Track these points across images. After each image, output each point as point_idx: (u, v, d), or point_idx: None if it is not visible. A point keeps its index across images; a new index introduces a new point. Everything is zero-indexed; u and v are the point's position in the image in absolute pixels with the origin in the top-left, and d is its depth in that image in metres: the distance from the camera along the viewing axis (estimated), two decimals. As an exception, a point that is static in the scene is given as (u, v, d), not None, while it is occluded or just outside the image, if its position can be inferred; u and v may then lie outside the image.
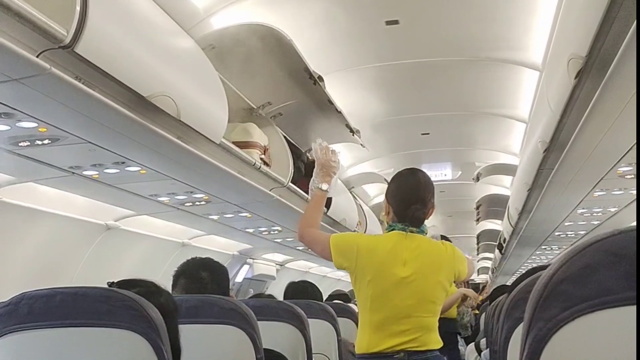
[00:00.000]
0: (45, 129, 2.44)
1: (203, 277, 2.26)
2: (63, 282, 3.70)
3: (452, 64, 4.74)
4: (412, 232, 2.44)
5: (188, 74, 2.82)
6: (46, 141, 2.57)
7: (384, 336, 2.37)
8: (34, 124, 2.38)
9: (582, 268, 0.76)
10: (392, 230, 2.48)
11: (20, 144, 2.59)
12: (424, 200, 2.47)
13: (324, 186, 2.81)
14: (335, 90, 4.87)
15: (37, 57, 1.90)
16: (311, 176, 3.01)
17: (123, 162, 2.95)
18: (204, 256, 2.40)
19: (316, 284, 3.89)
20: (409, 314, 2.37)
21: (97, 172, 3.08)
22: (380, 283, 2.39)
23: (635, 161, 3.45)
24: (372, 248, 2.44)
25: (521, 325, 0.83)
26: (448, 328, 4.64)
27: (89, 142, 2.63)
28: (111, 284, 1.53)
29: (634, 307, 0.72)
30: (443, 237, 3.87)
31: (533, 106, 4.91)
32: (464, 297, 4.70)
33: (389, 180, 4.55)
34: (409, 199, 2.46)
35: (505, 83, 5.06)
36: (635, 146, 3.20)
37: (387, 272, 2.39)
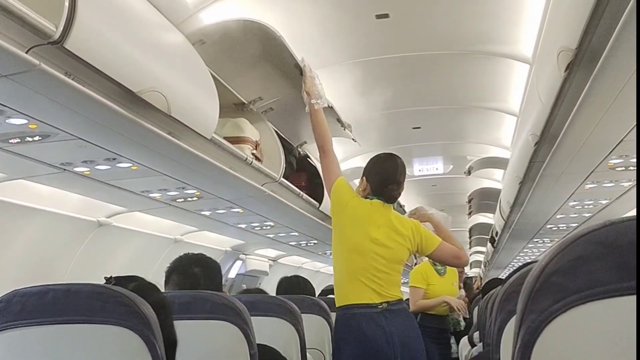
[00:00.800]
0: (36, 126, 2.42)
1: (195, 272, 2.25)
2: (55, 279, 3.68)
3: (443, 57, 4.74)
4: (387, 204, 2.93)
5: (178, 69, 2.81)
6: (36, 138, 2.56)
7: (365, 287, 2.79)
8: (24, 121, 2.36)
9: (574, 260, 0.76)
10: (372, 199, 2.92)
11: (10, 141, 2.57)
12: (399, 182, 2.93)
13: (320, 101, 3.30)
14: (326, 84, 4.84)
15: (26, 53, 1.89)
16: (303, 171, 3.30)
17: (114, 159, 2.94)
18: (196, 252, 2.40)
19: (309, 279, 3.90)
20: (381, 269, 2.81)
21: (88, 169, 3.07)
22: (358, 237, 2.85)
23: (636, 151, 3.46)
24: (357, 208, 2.90)
25: (514, 318, 0.83)
26: (439, 324, 4.60)
27: (80, 139, 2.62)
28: (109, 279, 1.53)
29: (626, 298, 0.72)
30: None
31: (524, 99, 4.92)
32: (451, 308, 4.47)
33: None
34: (387, 179, 2.92)
35: (496, 76, 5.06)
36: (632, 135, 3.20)
37: (364, 230, 2.85)
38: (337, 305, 2.88)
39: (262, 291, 3.21)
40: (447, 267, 4.57)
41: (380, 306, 2.77)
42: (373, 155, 3.10)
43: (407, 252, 2.91)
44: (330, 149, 3.13)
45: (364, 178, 3.00)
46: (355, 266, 2.81)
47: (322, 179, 3.15)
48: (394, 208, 3.01)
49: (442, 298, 4.46)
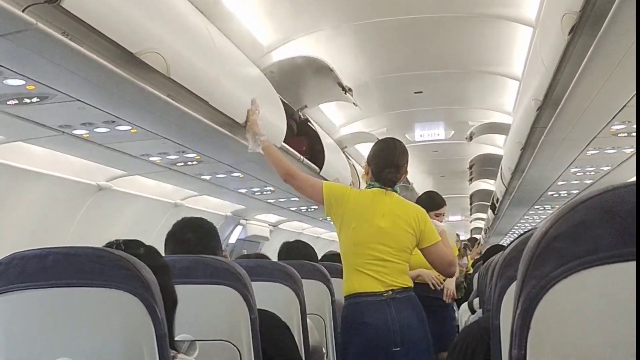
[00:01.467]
0: (34, 87, 2.40)
1: (188, 238, 2.23)
2: (56, 243, 3.70)
3: (445, 20, 4.68)
4: (388, 190, 2.91)
5: (177, 30, 2.77)
6: (35, 99, 2.54)
7: (370, 278, 2.81)
8: (22, 82, 2.34)
9: (576, 225, 0.75)
10: (372, 187, 2.93)
11: (8, 103, 2.55)
12: (398, 165, 2.93)
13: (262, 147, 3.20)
14: (327, 48, 4.81)
15: (22, 11, 1.85)
16: (304, 135, 3.25)
17: (113, 121, 2.92)
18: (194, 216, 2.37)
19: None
20: (387, 259, 2.82)
21: (87, 132, 3.05)
22: (364, 230, 2.84)
23: (636, 118, 3.44)
24: (358, 200, 2.90)
25: (514, 283, 0.82)
26: (421, 292, 4.39)
27: (78, 100, 2.60)
28: (117, 243, 1.53)
29: (628, 264, 0.72)
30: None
31: (527, 63, 4.87)
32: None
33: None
34: (385, 163, 2.93)
35: (499, 40, 5.01)
36: (634, 100, 3.18)
37: (369, 222, 2.84)
38: (344, 295, 2.92)
39: (263, 256, 3.20)
40: None
41: (385, 294, 2.80)
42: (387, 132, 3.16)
43: (413, 239, 2.88)
44: (297, 171, 3.04)
45: (366, 164, 3.04)
46: (360, 259, 2.83)
47: (307, 196, 3.05)
48: (398, 192, 2.98)
49: (417, 272, 4.04)
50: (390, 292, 2.80)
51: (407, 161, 2.98)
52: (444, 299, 4.05)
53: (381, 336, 2.77)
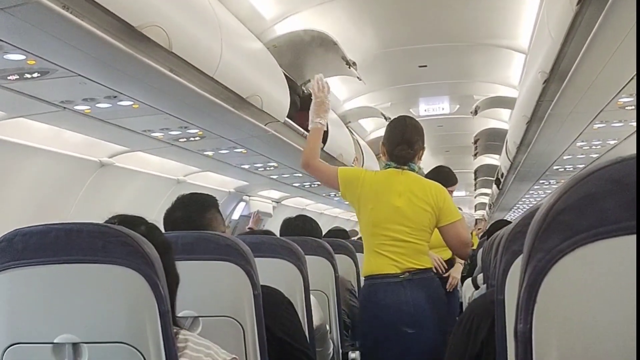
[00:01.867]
0: (34, 62, 2.38)
1: (176, 217, 2.19)
2: (58, 219, 3.70)
3: (450, -8, 4.63)
4: (404, 169, 2.88)
5: (179, 2, 2.73)
6: (35, 75, 2.52)
7: (387, 260, 2.81)
8: (22, 56, 2.32)
9: (583, 197, 0.74)
10: (388, 167, 2.91)
11: (9, 78, 2.54)
12: (410, 141, 2.88)
13: (323, 121, 3.12)
14: (330, 21, 4.76)
15: (21, -16, 1.83)
16: (307, 110, 3.21)
17: (115, 97, 2.90)
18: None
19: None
20: (404, 239, 2.80)
21: (89, 107, 3.04)
22: (381, 210, 2.82)
23: (636, 91, 3.40)
24: (374, 181, 2.88)
25: (520, 258, 0.81)
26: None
27: (80, 75, 2.58)
28: (117, 218, 1.52)
29: (635, 236, 0.70)
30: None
31: (533, 36, 4.80)
32: None
33: (386, 114, 4.91)
34: (396, 140, 2.89)
35: (505, 12, 4.95)
36: (635, 76, 3.14)
37: (385, 202, 2.82)
38: (363, 275, 2.98)
39: (269, 232, 3.18)
40: None
41: (402, 276, 2.80)
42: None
43: (432, 218, 2.83)
44: (318, 163, 3.00)
45: (381, 144, 3.00)
46: (377, 240, 2.83)
47: (325, 185, 3.08)
48: (416, 170, 2.94)
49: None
50: (407, 274, 2.80)
51: (422, 138, 2.93)
52: (447, 288, 3.95)
53: (395, 317, 2.79)
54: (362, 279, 3.18)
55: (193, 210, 2.23)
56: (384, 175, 2.91)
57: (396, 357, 2.80)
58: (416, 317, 2.78)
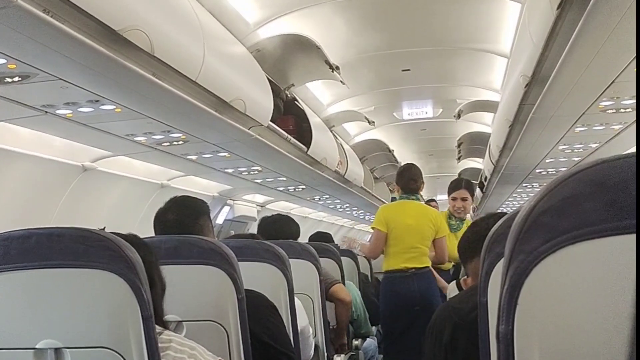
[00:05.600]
0: (15, 66, 2.35)
1: (168, 219, 2.21)
2: (40, 224, 3.65)
3: (433, -4, 4.65)
4: (412, 199, 4.41)
5: (161, 6, 2.72)
6: (16, 78, 2.49)
7: (401, 260, 4.26)
8: (3, 60, 2.29)
9: (564, 199, 0.74)
10: (402, 199, 4.43)
11: (-11, 82, 2.51)
12: (416, 180, 4.44)
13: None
14: (313, 25, 4.77)
15: (1, -12, 1.81)
16: (291, 114, 3.61)
17: (97, 101, 2.88)
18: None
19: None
20: (414, 246, 4.27)
21: (71, 111, 3.00)
22: (398, 228, 4.29)
23: (636, 85, 3.41)
24: (392, 210, 4.46)
25: (502, 260, 0.81)
26: (443, 277, 4.66)
27: (61, 80, 2.55)
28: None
29: (616, 238, 0.71)
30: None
31: (515, 40, 4.84)
32: None
33: (369, 118, 5.90)
34: (408, 179, 4.44)
35: (487, 16, 4.98)
36: (626, 76, 3.15)
37: (401, 222, 4.30)
38: (383, 270, 4.42)
39: (254, 236, 3.18)
40: (464, 225, 4.72)
41: (410, 271, 4.24)
42: (400, 166, 4.84)
43: (432, 232, 4.32)
44: (374, 248, 4.49)
45: (395, 183, 4.64)
46: (396, 248, 4.28)
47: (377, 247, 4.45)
48: (420, 200, 4.52)
49: None
50: (414, 270, 4.24)
51: (422, 178, 4.50)
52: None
53: (406, 300, 4.19)
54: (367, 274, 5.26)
55: (186, 215, 2.24)
56: (399, 204, 4.46)
57: (407, 326, 4.13)
58: (420, 299, 4.15)
